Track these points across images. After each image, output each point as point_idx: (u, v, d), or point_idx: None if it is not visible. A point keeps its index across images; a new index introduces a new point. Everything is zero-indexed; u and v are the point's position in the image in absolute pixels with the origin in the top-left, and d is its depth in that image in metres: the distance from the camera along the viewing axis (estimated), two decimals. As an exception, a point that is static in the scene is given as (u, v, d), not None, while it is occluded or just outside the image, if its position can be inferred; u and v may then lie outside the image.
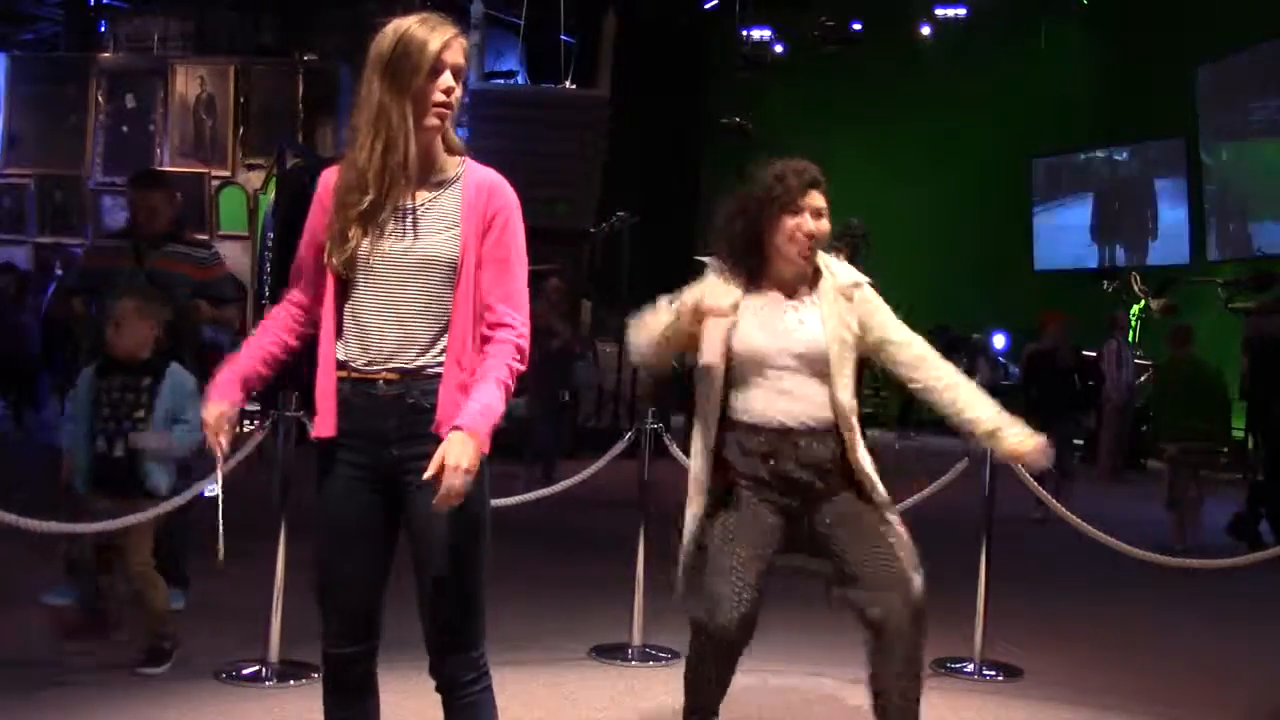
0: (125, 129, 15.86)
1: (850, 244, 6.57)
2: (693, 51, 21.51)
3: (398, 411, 2.45)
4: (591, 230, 13.91)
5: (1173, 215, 17.72)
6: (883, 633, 3.14)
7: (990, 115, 18.95)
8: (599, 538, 7.02)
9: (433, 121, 2.45)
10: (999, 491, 4.99)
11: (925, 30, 19.32)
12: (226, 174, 15.56)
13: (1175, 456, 8.36)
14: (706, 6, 19.98)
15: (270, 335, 2.62)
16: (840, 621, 3.32)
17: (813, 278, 3.22)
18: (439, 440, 2.35)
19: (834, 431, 3.15)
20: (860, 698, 3.45)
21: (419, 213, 2.47)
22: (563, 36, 16.01)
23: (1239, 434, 10.54)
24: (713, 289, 3.17)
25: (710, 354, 3.12)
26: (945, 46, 19.05)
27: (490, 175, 2.55)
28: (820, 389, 3.14)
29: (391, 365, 2.45)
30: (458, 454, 2.30)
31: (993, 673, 4.80)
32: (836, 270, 3.25)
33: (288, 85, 15.24)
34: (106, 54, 16.37)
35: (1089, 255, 19.02)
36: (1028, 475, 5.29)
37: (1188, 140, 17.09)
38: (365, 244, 2.44)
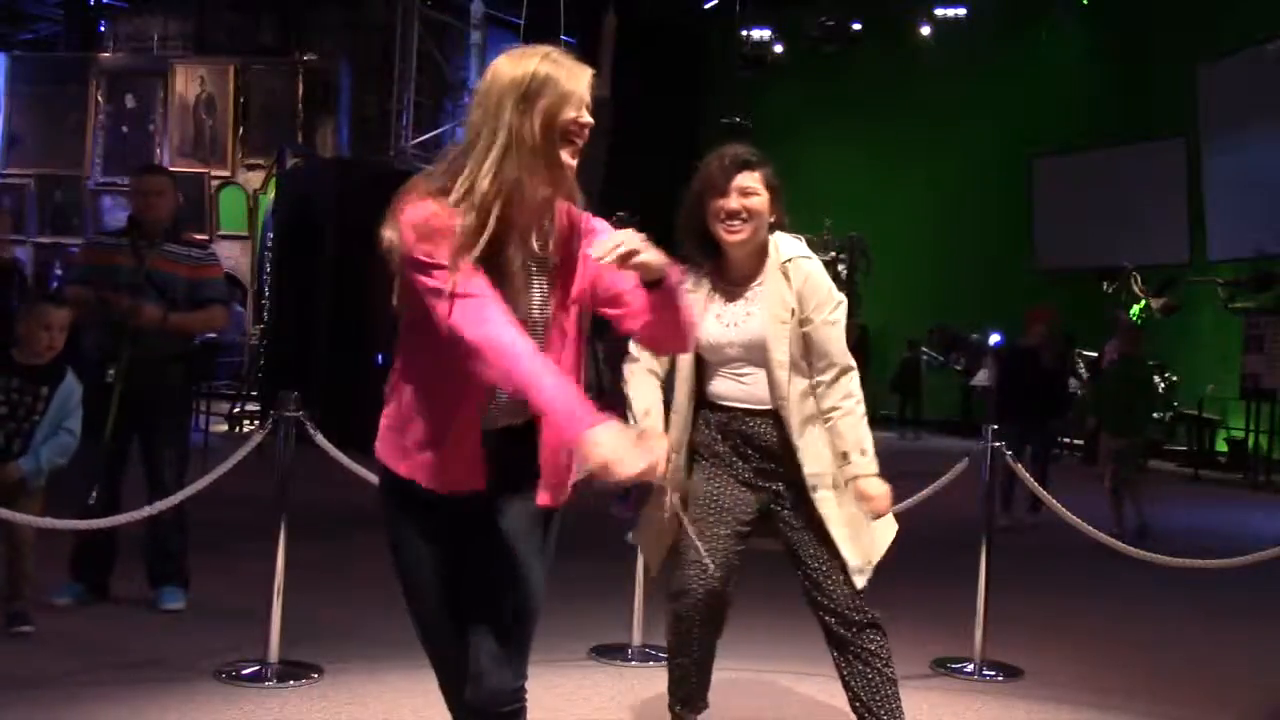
0: (125, 129, 15.88)
1: (850, 256, 6.55)
2: (693, 51, 21.53)
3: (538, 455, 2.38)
4: (591, 230, 13.90)
5: (1173, 215, 17.72)
6: (836, 651, 3.23)
7: (990, 115, 18.96)
8: (599, 538, 7.02)
9: (571, 160, 2.31)
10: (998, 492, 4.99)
11: (925, 30, 19.33)
12: (226, 174, 15.59)
13: (1122, 450, 8.76)
14: (706, 6, 19.99)
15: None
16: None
17: (764, 261, 3.25)
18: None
19: (775, 414, 3.19)
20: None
21: (523, 267, 2.32)
22: (563, 36, 16.02)
23: None
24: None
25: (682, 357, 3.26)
26: (945, 46, 19.06)
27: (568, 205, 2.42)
28: (763, 372, 3.20)
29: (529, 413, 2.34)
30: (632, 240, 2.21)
31: (993, 673, 4.80)
32: (782, 247, 3.25)
33: (288, 85, 15.27)
34: (106, 54, 16.39)
35: (1089, 255, 19.01)
36: (1024, 473, 5.30)
37: (1188, 140, 17.09)
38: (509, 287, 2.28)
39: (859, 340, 15.16)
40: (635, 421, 3.21)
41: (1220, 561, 4.99)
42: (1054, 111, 18.61)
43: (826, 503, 3.18)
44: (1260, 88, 15.53)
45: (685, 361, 3.26)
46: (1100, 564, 7.33)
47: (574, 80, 2.29)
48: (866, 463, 3.16)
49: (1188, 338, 16.23)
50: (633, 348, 3.30)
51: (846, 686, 3.24)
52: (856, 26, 19.47)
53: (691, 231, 3.25)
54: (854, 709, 3.24)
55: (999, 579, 4.95)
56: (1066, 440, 14.52)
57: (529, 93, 2.25)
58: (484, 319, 2.15)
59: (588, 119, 2.30)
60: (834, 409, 3.19)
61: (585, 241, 2.36)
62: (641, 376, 3.29)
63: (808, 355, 3.20)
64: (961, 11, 18.98)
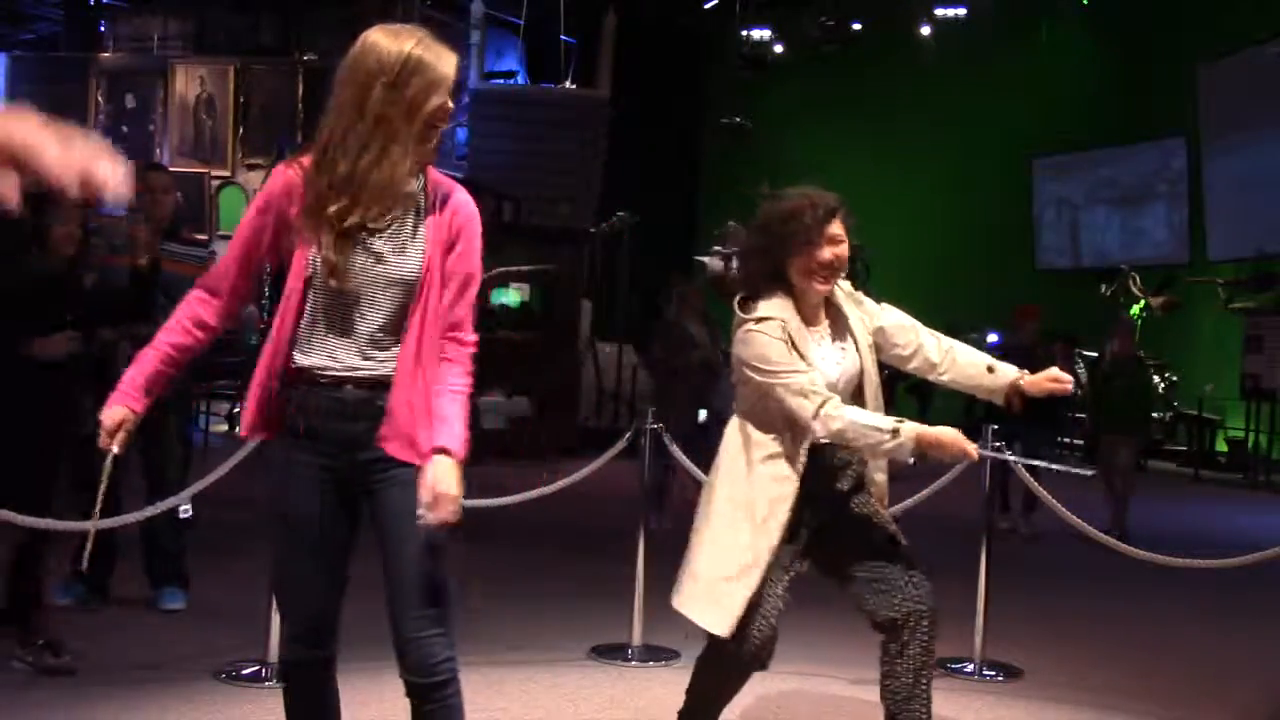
0: (125, 129, 15.87)
1: (850, 265, 6.52)
2: (693, 51, 21.51)
3: (367, 416, 2.46)
4: (592, 230, 13.92)
5: (1173, 215, 17.73)
6: (898, 636, 3.19)
7: (990, 115, 18.95)
8: (599, 537, 7.02)
9: (432, 144, 2.47)
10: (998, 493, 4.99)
11: (925, 30, 19.31)
12: (226, 174, 15.58)
13: (1119, 448, 8.77)
14: (706, 6, 19.98)
15: (175, 334, 2.54)
16: (841, 622, 3.32)
17: (830, 298, 3.26)
18: (388, 446, 2.43)
19: None
20: (862, 697, 3.44)
21: (392, 229, 2.47)
22: (563, 36, 16.02)
23: None
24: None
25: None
26: (945, 46, 19.05)
27: (451, 188, 2.55)
28: (855, 402, 3.19)
29: (360, 373, 2.47)
30: (449, 482, 2.35)
31: (993, 673, 4.80)
32: (841, 285, 3.30)
33: (288, 85, 15.26)
34: (106, 54, 16.39)
35: (1090, 255, 19.02)
36: (1025, 474, 5.30)
37: (1188, 140, 17.09)
38: (340, 255, 2.43)
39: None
40: (897, 429, 2.99)
41: (1220, 561, 4.99)
42: (1054, 112, 18.60)
43: (878, 506, 3.26)
44: (1260, 88, 15.52)
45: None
46: (1100, 564, 7.33)
47: (444, 65, 2.43)
48: (1006, 369, 3.27)
49: (1188, 338, 16.23)
50: (809, 385, 3.07)
51: (893, 676, 3.19)
52: (856, 26, 19.45)
53: (763, 275, 3.19)
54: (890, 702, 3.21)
55: (999, 579, 4.95)
56: (1065, 440, 14.51)
57: (400, 77, 2.39)
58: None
59: (450, 105, 2.46)
60: (949, 347, 3.29)
61: (441, 218, 2.50)
62: (842, 404, 3.09)
63: (885, 351, 3.30)
64: (961, 11, 18.96)
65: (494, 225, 12.81)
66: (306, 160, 2.48)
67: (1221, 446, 15.30)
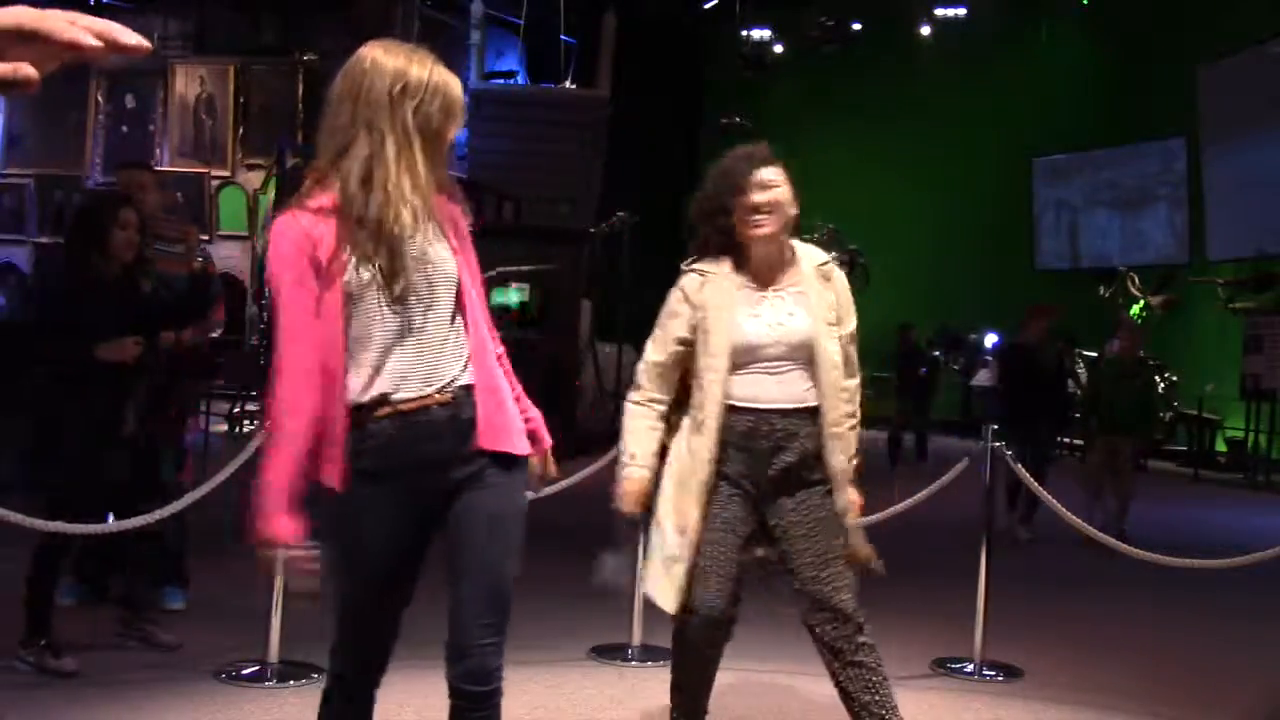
0: (125, 129, 15.86)
1: (850, 265, 6.49)
2: (693, 51, 21.52)
3: (451, 431, 2.39)
4: (591, 230, 13.92)
5: (1173, 215, 17.73)
6: (827, 651, 3.22)
7: (990, 115, 18.95)
8: (599, 537, 7.01)
9: (444, 163, 2.47)
10: (998, 493, 4.99)
11: (925, 30, 19.33)
12: (226, 174, 15.57)
13: (1123, 449, 8.72)
14: (706, 6, 19.99)
15: (310, 418, 2.34)
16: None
17: (791, 261, 3.26)
18: (483, 453, 2.39)
19: (815, 415, 3.19)
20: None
21: (422, 233, 2.42)
22: (563, 36, 16.02)
23: None
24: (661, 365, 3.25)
25: (717, 350, 3.16)
26: (945, 46, 19.06)
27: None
28: (806, 374, 3.19)
29: (439, 387, 2.39)
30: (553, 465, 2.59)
31: (993, 673, 4.80)
32: (808, 252, 3.30)
33: (288, 85, 15.24)
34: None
35: (1089, 255, 19.02)
36: (1025, 474, 5.29)
37: (1188, 140, 17.09)
38: (397, 258, 2.36)
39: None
40: (624, 463, 3.20)
41: (1220, 561, 4.99)
42: (1054, 112, 18.61)
43: (839, 501, 3.21)
44: (1260, 88, 15.53)
45: (719, 367, 3.16)
46: (1100, 564, 7.33)
47: (455, 90, 2.43)
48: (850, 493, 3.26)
49: (1188, 338, 16.23)
50: (641, 374, 3.26)
51: (845, 692, 3.20)
52: (856, 26, 19.47)
53: (713, 237, 3.24)
54: (857, 714, 3.21)
55: (999, 579, 4.95)
56: (1066, 440, 14.51)
57: (424, 101, 2.38)
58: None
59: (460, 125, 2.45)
60: (849, 415, 3.24)
61: (442, 209, 2.45)
62: (643, 415, 3.24)
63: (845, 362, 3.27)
64: (961, 11, 18.98)
65: (494, 225, 12.83)
66: (311, 202, 2.38)
67: (1221, 446, 15.31)
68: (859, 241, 16.06)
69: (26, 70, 1.02)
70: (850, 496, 3.23)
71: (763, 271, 3.23)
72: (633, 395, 3.28)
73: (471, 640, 2.39)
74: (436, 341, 2.40)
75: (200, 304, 4.89)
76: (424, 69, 2.40)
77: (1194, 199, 17.13)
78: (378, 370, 2.36)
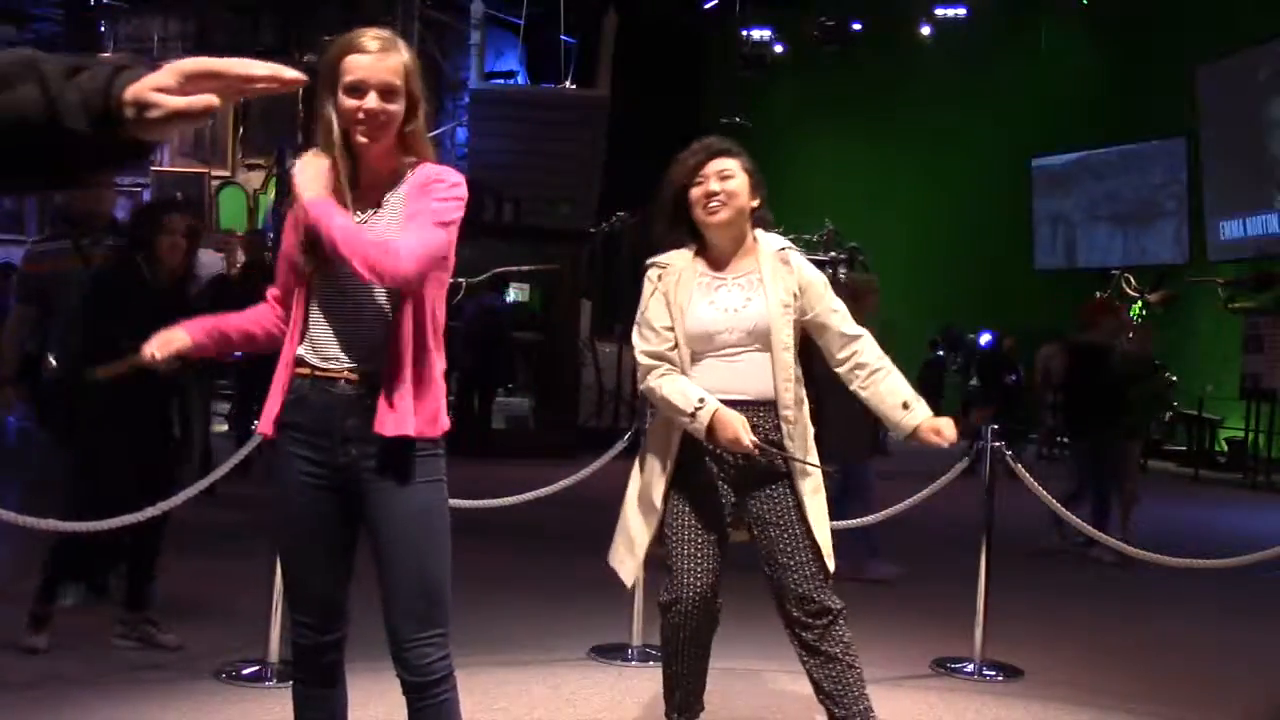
0: (125, 129, 15.86)
1: (850, 265, 6.36)
2: (693, 51, 21.52)
3: (358, 411, 2.48)
4: (591, 230, 13.92)
5: (1173, 215, 17.73)
6: (799, 643, 3.22)
7: (990, 115, 18.96)
8: (599, 538, 7.01)
9: (359, 139, 2.46)
10: (998, 492, 4.99)
11: (925, 30, 19.34)
12: (226, 174, 15.58)
13: (1133, 451, 8.60)
14: (706, 6, 20.00)
15: (253, 317, 2.68)
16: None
17: (750, 249, 3.30)
18: (388, 440, 2.44)
19: (774, 403, 3.20)
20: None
21: (371, 220, 2.49)
22: (563, 36, 16.01)
23: None
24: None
25: (677, 339, 3.23)
26: (945, 46, 19.06)
27: (435, 167, 2.56)
28: (764, 360, 3.20)
29: (351, 366, 2.49)
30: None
31: (993, 673, 4.79)
32: (768, 239, 3.32)
33: (288, 85, 15.24)
34: (106, 54, 16.36)
35: (1089, 255, 19.02)
36: (1025, 473, 5.29)
37: (1188, 140, 17.09)
38: (306, 248, 2.50)
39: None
40: (697, 418, 3.09)
41: (1220, 561, 4.99)
42: (1054, 111, 18.61)
43: (804, 489, 3.21)
44: (1260, 88, 15.53)
45: (680, 357, 3.22)
46: (1101, 564, 7.33)
47: (355, 38, 2.48)
48: (924, 406, 3.26)
49: (1188, 338, 16.23)
50: (642, 358, 3.25)
51: (813, 681, 3.22)
52: (856, 26, 19.48)
53: (671, 222, 3.32)
54: (823, 703, 3.23)
55: (999, 579, 4.95)
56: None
57: (343, 66, 2.45)
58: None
59: (358, 103, 2.44)
60: (877, 369, 3.26)
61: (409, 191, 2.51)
62: (671, 375, 3.20)
63: (810, 343, 3.30)
64: (961, 11, 18.99)
65: (494, 225, 12.83)
66: None
67: (1221, 446, 15.31)
68: (858, 241, 16.08)
69: (209, 98, 1.25)
70: (941, 427, 3.20)
71: (720, 259, 3.28)
72: (650, 376, 3.23)
73: (401, 635, 2.49)
74: (362, 320, 2.49)
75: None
76: (354, 37, 2.46)
77: (1194, 199, 17.13)
78: (303, 334, 2.53)
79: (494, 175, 13.89)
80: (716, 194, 3.21)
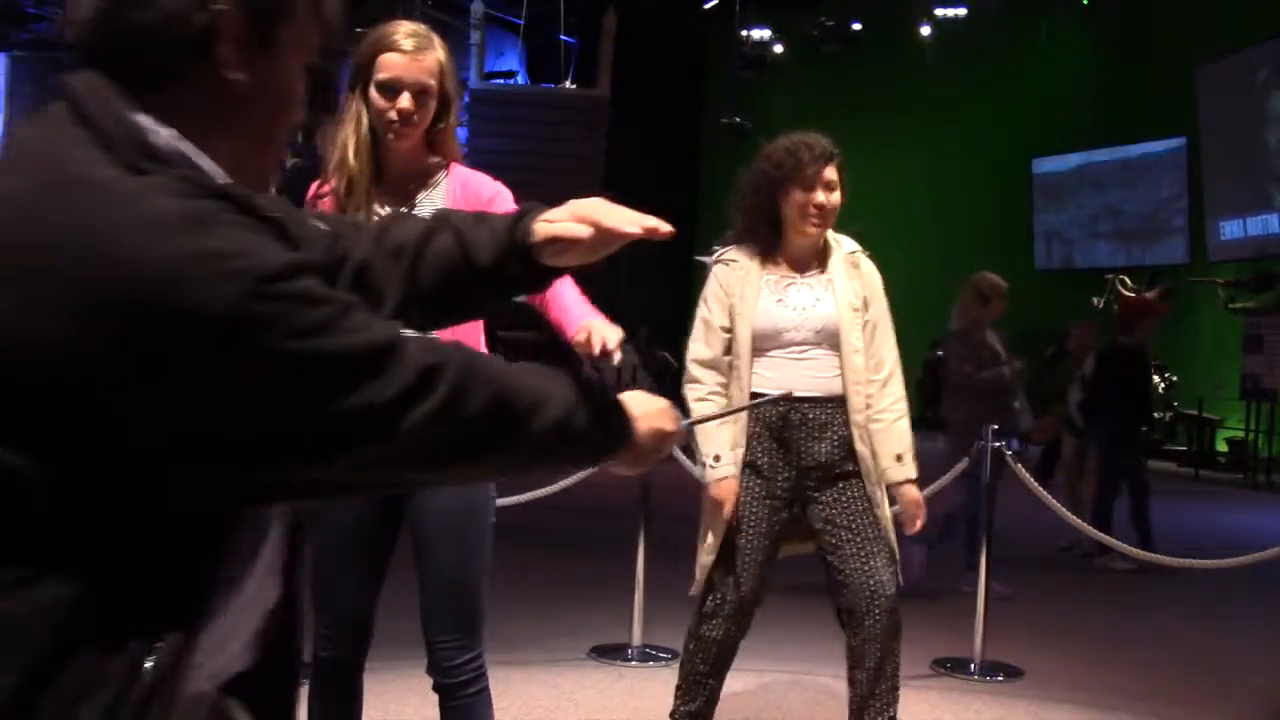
0: (126, 129, 15.88)
1: None
2: (693, 51, 21.53)
3: None
4: (592, 230, 13.89)
5: (1173, 215, 17.73)
6: (860, 638, 3.18)
7: (990, 115, 18.95)
8: (599, 538, 7.02)
9: (387, 137, 2.46)
10: (998, 492, 4.99)
11: (925, 30, 19.32)
12: (227, 174, 15.56)
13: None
14: (706, 6, 19.99)
15: None
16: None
17: (823, 250, 3.28)
18: None
19: (844, 402, 3.18)
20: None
21: (372, 205, 2.49)
22: (563, 36, 16.01)
23: None
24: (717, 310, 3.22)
25: (743, 338, 3.18)
26: (945, 46, 19.05)
27: (482, 177, 2.60)
28: (833, 360, 3.18)
29: None
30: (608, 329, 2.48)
31: (993, 673, 4.80)
32: (841, 241, 3.32)
33: (288, 85, 15.26)
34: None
35: (1089, 255, 19.02)
36: (1024, 473, 5.29)
37: (1188, 140, 17.09)
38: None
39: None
40: (708, 468, 3.11)
41: (1220, 561, 4.99)
42: (1054, 111, 18.61)
43: (871, 488, 3.20)
44: (1260, 88, 15.53)
45: (746, 355, 3.17)
46: (1101, 565, 7.33)
47: (382, 35, 2.50)
48: (911, 469, 3.23)
49: (1188, 338, 16.23)
50: (694, 368, 3.20)
51: (853, 684, 3.20)
52: (856, 26, 19.46)
53: (756, 213, 3.24)
54: (851, 704, 3.22)
55: (999, 579, 4.95)
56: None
57: (373, 62, 2.46)
58: None
59: (394, 103, 2.43)
60: (887, 410, 3.22)
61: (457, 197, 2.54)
62: (712, 401, 3.15)
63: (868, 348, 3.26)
64: (961, 11, 18.98)
65: (494, 225, 12.81)
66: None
67: (1221, 446, 15.31)
68: (858, 241, 16.04)
69: (579, 229, 1.39)
70: (908, 497, 3.22)
71: (796, 260, 3.26)
72: (694, 392, 3.19)
73: (433, 637, 2.49)
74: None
75: None
76: (389, 32, 2.45)
77: (1193, 199, 17.13)
78: None
79: (494, 175, 13.85)
80: (824, 207, 3.17)
